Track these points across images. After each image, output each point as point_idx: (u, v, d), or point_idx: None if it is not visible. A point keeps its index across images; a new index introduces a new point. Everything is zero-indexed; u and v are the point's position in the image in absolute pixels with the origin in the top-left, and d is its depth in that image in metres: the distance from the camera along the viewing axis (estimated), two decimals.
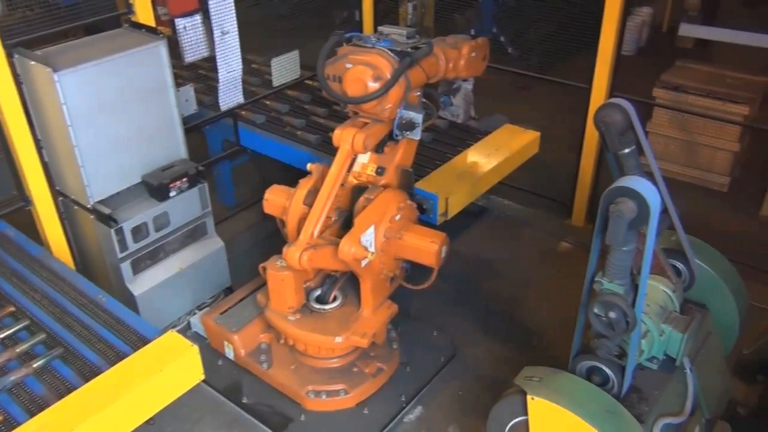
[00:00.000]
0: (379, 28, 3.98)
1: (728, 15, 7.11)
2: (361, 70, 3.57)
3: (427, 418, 4.07)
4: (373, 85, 3.55)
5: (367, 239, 3.61)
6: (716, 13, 7.18)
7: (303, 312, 3.97)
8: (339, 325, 3.90)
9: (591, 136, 5.24)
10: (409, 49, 3.72)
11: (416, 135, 3.82)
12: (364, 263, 3.59)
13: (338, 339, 3.82)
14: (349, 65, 3.61)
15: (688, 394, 3.20)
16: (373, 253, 3.62)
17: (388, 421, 4.00)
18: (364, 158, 4.06)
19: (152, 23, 4.32)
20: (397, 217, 3.73)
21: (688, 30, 5.38)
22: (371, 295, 3.89)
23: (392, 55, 3.63)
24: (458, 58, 4.18)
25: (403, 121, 3.76)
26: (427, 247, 3.69)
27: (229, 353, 4.33)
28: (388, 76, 3.57)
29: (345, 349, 4.00)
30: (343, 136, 3.71)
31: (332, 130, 3.83)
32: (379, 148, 4.00)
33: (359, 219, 3.64)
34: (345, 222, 3.90)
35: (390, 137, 3.94)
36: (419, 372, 4.29)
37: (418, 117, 3.76)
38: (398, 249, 3.77)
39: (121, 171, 4.06)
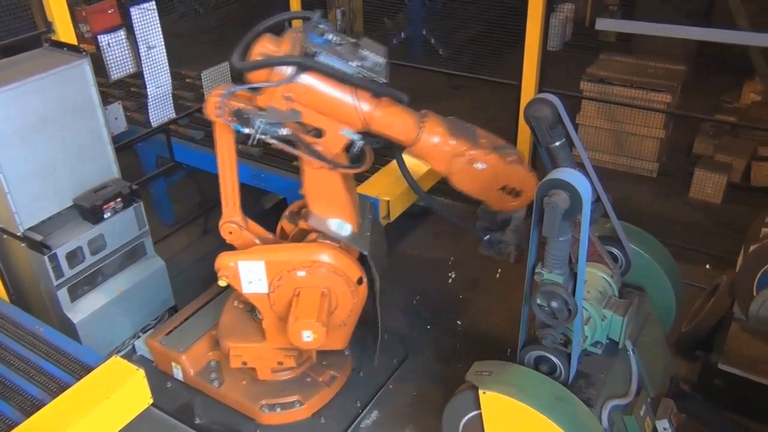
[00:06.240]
0: (364, 39, 3.30)
1: (647, 8, 7.40)
2: (268, 40, 3.23)
3: (384, 421, 4.09)
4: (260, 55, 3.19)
5: (256, 275, 3.64)
6: (634, 7, 7.48)
7: None
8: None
9: (523, 131, 5.36)
10: (359, 72, 3.17)
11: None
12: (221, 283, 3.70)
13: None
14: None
15: (632, 375, 3.31)
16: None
17: (345, 428, 3.99)
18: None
19: (74, 41, 4.20)
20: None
21: (604, 24, 5.57)
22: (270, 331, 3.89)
23: (310, 43, 3.13)
24: (454, 157, 3.32)
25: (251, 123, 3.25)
26: (289, 325, 3.49)
27: (178, 374, 4.24)
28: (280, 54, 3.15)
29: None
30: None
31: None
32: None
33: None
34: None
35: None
36: (373, 376, 4.30)
37: (259, 125, 3.22)
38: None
39: (51, 195, 3.92)
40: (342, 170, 3.45)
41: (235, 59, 3.19)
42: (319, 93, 3.19)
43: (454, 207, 6.00)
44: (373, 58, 3.19)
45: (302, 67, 3.11)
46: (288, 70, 3.12)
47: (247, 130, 3.24)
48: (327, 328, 3.48)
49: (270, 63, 3.15)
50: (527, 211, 3.37)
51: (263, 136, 3.25)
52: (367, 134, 3.39)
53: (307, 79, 3.15)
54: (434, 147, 3.33)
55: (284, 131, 3.25)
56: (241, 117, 3.23)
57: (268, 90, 3.19)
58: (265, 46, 3.20)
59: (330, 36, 3.21)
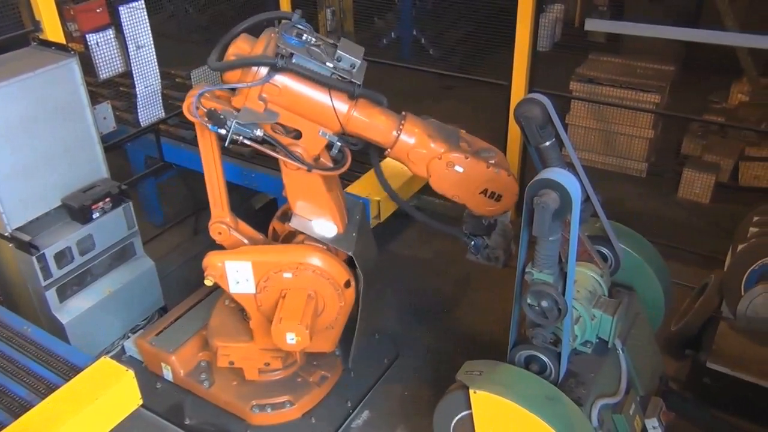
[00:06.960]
0: (342, 40, 3.26)
1: (637, 9, 7.43)
2: (243, 40, 3.23)
3: (375, 421, 4.08)
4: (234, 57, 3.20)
5: (243, 275, 3.62)
6: (624, 8, 7.51)
7: None
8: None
9: (513, 131, 5.37)
10: (334, 74, 3.15)
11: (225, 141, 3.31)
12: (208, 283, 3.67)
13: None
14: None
15: (622, 374, 3.33)
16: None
17: (336, 428, 3.99)
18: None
19: (62, 40, 4.18)
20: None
21: (593, 24, 5.61)
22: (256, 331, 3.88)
23: (284, 44, 3.09)
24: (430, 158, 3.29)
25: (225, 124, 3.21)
26: (273, 327, 3.48)
27: (168, 375, 4.22)
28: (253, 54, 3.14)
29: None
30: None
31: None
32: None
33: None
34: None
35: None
36: (363, 376, 4.30)
37: (231, 126, 3.19)
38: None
39: (39, 195, 3.90)
40: (319, 172, 3.42)
41: (211, 59, 3.19)
42: (294, 94, 3.17)
43: (445, 206, 6.04)
44: (349, 59, 3.15)
45: (275, 68, 3.09)
46: (262, 70, 3.11)
47: (221, 131, 3.22)
48: (311, 331, 3.47)
49: (242, 63, 3.14)
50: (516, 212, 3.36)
51: (237, 137, 3.22)
52: (346, 136, 3.37)
53: (281, 80, 3.14)
54: (412, 149, 3.31)
55: (259, 132, 3.22)
56: (214, 117, 3.20)
57: (243, 91, 3.18)
58: (239, 47, 3.20)
59: (307, 37, 3.17)
